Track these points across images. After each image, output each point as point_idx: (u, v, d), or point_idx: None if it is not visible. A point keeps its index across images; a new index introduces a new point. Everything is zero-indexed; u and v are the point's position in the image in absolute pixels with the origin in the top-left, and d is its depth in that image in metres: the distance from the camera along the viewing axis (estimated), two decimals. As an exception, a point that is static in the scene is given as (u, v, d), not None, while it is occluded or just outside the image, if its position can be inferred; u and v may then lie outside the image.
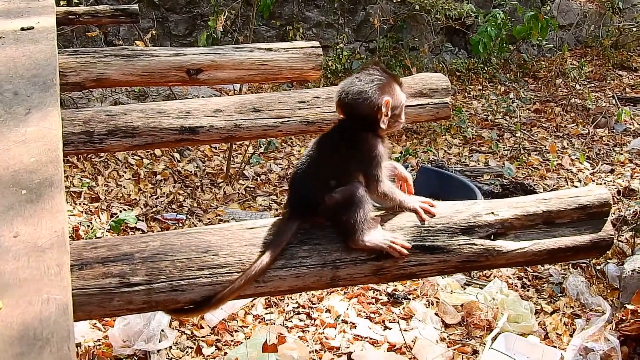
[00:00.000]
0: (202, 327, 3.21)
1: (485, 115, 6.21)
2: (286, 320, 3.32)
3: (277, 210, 4.43)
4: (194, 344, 3.11)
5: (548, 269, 3.82)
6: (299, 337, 3.17)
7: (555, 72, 6.99)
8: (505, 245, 1.66)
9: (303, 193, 1.65)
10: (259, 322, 3.29)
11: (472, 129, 5.83)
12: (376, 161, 1.63)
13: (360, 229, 1.57)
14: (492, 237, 1.66)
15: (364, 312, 3.37)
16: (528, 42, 7.15)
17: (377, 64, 1.72)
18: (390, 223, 1.65)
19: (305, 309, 3.40)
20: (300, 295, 3.46)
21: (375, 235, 1.59)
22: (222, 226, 1.66)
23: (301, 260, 1.57)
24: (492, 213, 1.67)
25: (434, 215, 1.67)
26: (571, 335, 3.19)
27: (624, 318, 2.93)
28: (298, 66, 2.84)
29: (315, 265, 1.58)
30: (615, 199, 4.43)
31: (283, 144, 5.44)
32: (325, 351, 3.09)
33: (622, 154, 5.48)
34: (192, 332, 3.18)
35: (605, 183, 4.96)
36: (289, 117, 2.46)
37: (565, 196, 1.74)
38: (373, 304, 3.45)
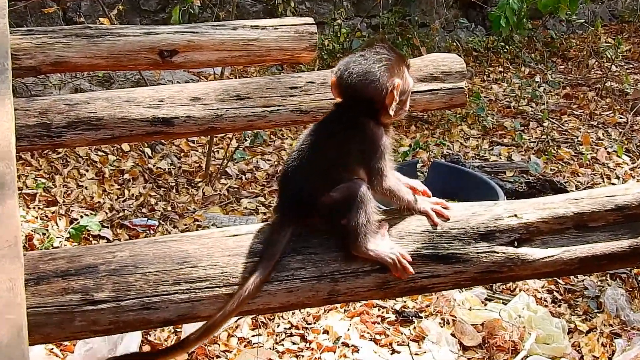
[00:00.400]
0: (178, 352, 3.21)
1: (507, 101, 6.23)
2: (277, 343, 3.32)
3: (265, 214, 4.43)
4: (170, 371, 3.11)
5: (582, 280, 3.83)
6: (292, 362, 3.18)
7: (588, 51, 7.00)
8: (531, 253, 1.67)
9: (295, 193, 1.65)
10: (245, 346, 3.29)
11: (493, 118, 5.84)
12: (380, 152, 1.64)
13: (362, 233, 1.58)
14: (516, 244, 1.67)
15: (368, 333, 3.38)
16: (556, 17, 7.17)
17: (385, 42, 1.73)
18: (397, 228, 1.66)
19: (299, 329, 3.41)
20: (293, 313, 3.47)
21: (382, 245, 1.60)
22: (201, 233, 1.66)
23: (294, 272, 1.58)
24: (515, 216, 1.68)
25: (448, 219, 1.68)
26: (610, 358, 3.20)
27: (670, 337, 2.95)
28: (289, 46, 2.84)
29: (311, 278, 1.58)
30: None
31: (272, 136, 5.44)
32: (322, 378, 3.10)
33: (666, 146, 5.51)
34: (167, 358, 3.18)
35: (647, 180, 4.98)
36: (278, 106, 2.46)
37: (600, 195, 1.74)
38: (379, 323, 3.46)
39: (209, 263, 1.56)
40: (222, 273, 1.55)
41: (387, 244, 1.61)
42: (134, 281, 1.50)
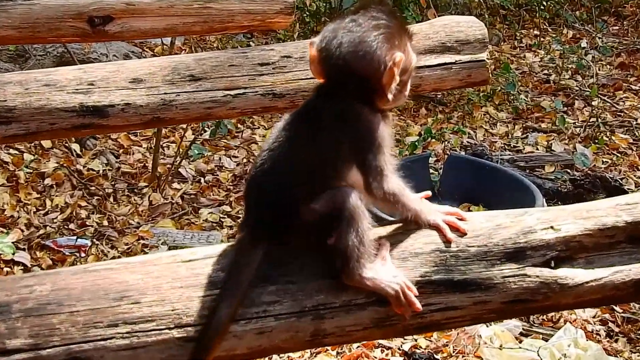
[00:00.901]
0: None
1: (545, 74, 6.25)
2: (249, 396, 3.32)
3: (231, 228, 4.43)
4: None
5: (644, 307, 3.86)
6: (269, 421, 3.18)
7: (650, 7, 7.05)
8: (572, 275, 1.68)
9: (268, 204, 1.66)
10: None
11: (527, 96, 5.86)
12: (377, 146, 1.64)
13: (355, 256, 1.57)
14: (553, 264, 1.68)
15: (368, 380, 3.39)
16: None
17: (383, 3, 1.74)
18: (400, 247, 1.67)
19: (278, 379, 3.42)
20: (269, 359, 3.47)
21: (381, 272, 1.60)
22: (145, 259, 1.66)
23: (266, 307, 1.58)
24: (552, 228, 1.69)
25: (465, 234, 1.69)
26: (680, 406, 3.23)
27: None
28: (258, 9, 2.85)
29: (288, 314, 1.58)
30: None
31: (239, 125, 5.44)
32: None
33: None
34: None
35: None
36: (244, 88, 2.47)
37: (660, 199, 1.76)
38: (381, 368, 3.47)
39: (156, 298, 1.56)
40: (172, 310, 1.55)
41: (388, 270, 1.61)
42: (57, 323, 1.50)
